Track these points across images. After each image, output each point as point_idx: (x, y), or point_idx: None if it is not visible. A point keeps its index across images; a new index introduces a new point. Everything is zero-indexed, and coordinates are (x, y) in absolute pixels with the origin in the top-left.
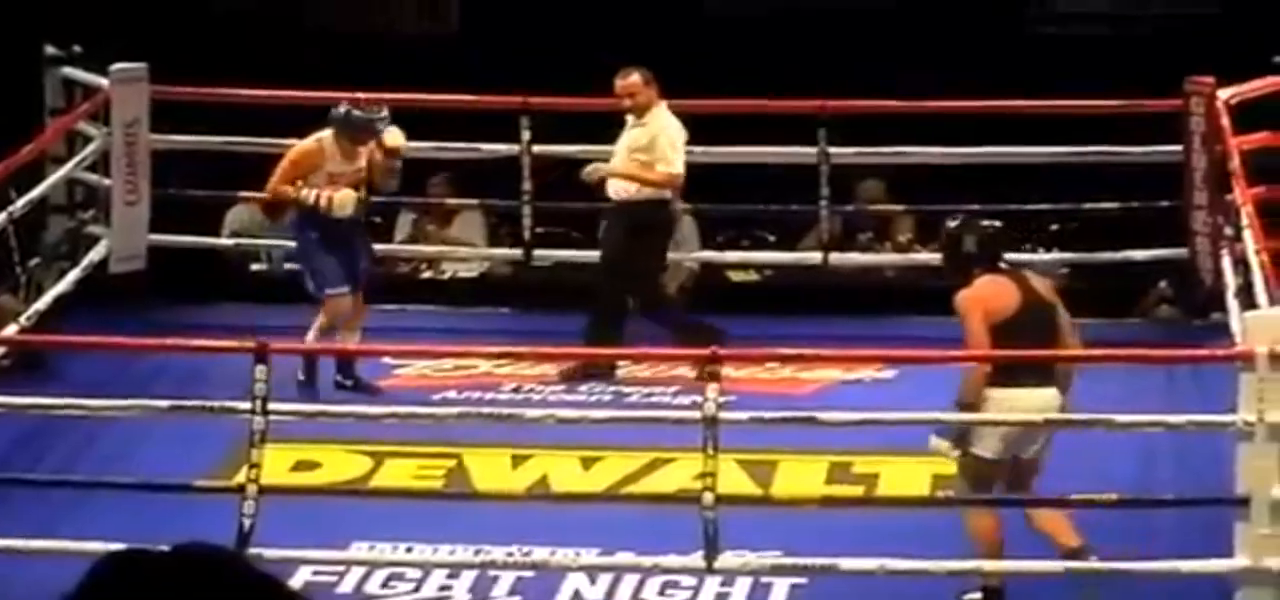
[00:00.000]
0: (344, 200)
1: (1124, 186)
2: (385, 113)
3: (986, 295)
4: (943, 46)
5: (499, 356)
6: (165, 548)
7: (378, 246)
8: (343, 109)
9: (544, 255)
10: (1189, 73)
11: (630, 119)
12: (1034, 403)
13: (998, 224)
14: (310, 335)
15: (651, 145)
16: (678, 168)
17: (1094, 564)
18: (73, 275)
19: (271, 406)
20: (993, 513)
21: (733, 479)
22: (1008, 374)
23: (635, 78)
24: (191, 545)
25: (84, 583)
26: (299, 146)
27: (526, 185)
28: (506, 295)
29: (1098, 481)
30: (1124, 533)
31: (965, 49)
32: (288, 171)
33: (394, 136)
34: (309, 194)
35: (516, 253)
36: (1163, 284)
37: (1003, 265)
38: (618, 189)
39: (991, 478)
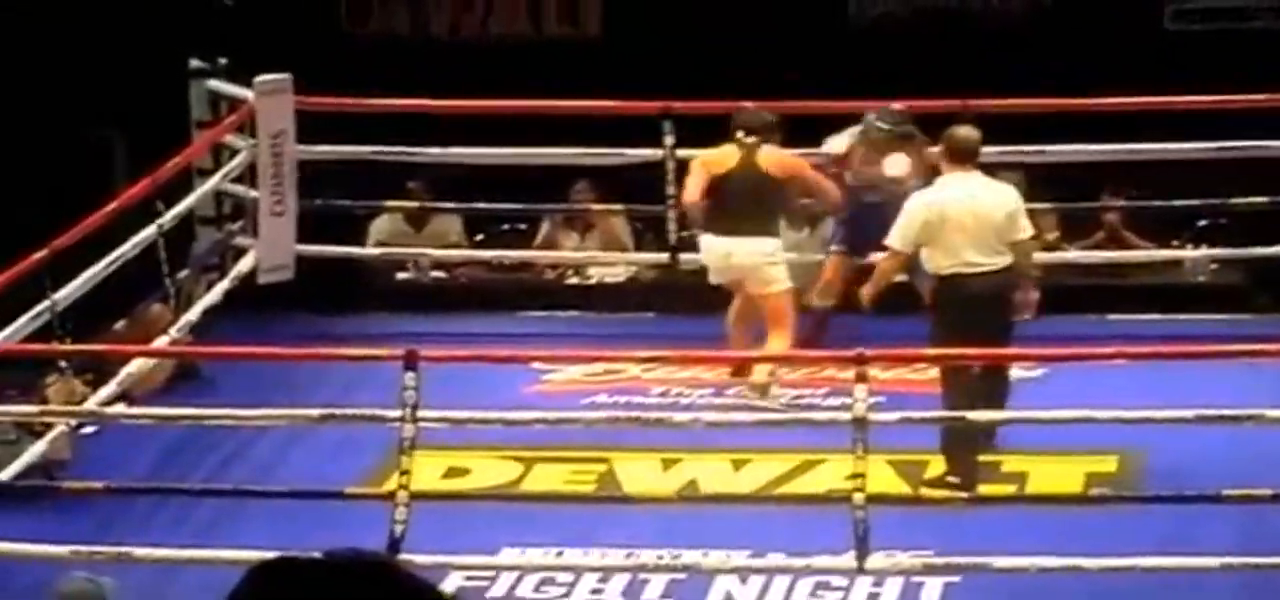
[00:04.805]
0: None
1: (1272, 181)
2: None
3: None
4: (1082, 44)
5: (647, 361)
6: (318, 554)
7: (523, 253)
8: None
9: (690, 259)
10: None
11: None
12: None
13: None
14: None
15: None
16: None
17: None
18: (222, 286)
19: (421, 413)
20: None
21: (883, 479)
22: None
23: None
24: (344, 551)
25: (238, 590)
26: None
27: (671, 189)
28: (652, 299)
29: (1254, 477)
30: None
31: (1106, 46)
32: None
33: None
34: None
35: (663, 257)
36: None
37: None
38: None
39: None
